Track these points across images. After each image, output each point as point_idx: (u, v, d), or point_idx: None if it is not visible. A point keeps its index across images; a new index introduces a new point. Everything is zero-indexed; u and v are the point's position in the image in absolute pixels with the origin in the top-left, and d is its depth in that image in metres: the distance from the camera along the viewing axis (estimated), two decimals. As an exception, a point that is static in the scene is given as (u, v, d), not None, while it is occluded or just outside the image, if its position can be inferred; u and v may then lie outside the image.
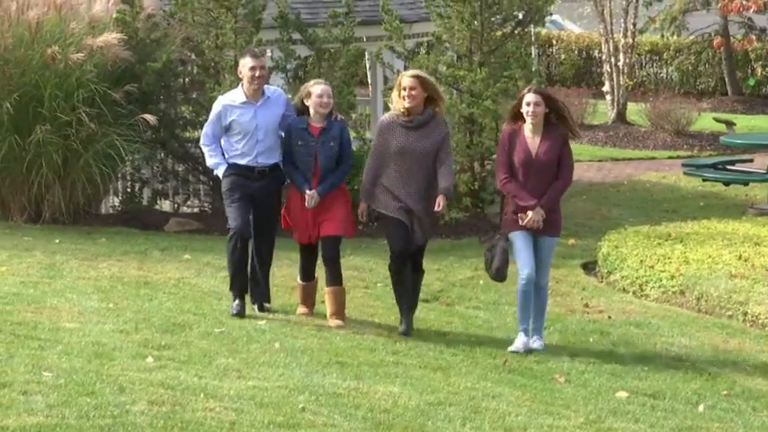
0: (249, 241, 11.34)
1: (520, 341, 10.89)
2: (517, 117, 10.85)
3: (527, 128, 10.80)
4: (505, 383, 9.86)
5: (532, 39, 19.30)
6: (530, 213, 10.66)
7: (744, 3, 15.86)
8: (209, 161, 11.58)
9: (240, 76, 11.38)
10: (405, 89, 10.81)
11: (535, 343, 10.99)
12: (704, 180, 21.37)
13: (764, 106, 31.73)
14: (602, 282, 15.40)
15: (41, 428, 7.43)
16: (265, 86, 11.47)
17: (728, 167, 21.55)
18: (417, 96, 10.82)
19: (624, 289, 14.71)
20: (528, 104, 10.64)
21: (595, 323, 12.69)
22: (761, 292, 14.29)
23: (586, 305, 13.64)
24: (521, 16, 18.31)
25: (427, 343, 10.15)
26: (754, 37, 26.69)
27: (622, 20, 29.34)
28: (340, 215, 11.22)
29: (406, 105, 10.81)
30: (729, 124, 27.36)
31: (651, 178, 23.14)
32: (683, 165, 22.34)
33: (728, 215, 18.89)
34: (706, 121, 28.38)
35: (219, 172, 11.40)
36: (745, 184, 21.22)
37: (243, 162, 11.30)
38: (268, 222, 11.48)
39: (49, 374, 8.65)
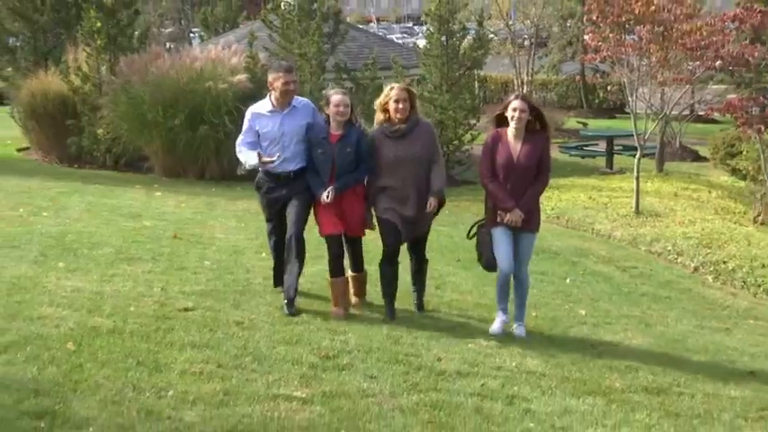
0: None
1: (498, 323, 7.23)
2: (500, 122, 7.12)
3: (510, 132, 7.03)
4: (460, 268, 9.83)
5: (475, 77, 19.18)
6: (508, 214, 6.99)
7: (593, 56, 15.65)
8: (243, 157, 7.28)
9: (271, 88, 7.25)
10: (397, 102, 7.02)
11: (517, 329, 7.25)
12: (570, 156, 21.48)
13: (605, 114, 31.67)
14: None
15: (203, 292, 7.43)
16: (295, 97, 7.36)
17: (584, 148, 21.87)
18: (407, 108, 7.03)
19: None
20: (515, 110, 6.94)
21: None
22: (601, 216, 14.39)
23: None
24: (468, 64, 18.21)
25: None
26: (598, 76, 26.61)
27: (525, 66, 29.26)
28: (359, 217, 7.19)
29: (399, 117, 7.01)
30: (584, 124, 27.37)
31: (541, 154, 23.05)
32: (559, 147, 22.37)
33: (584, 175, 18.98)
34: (572, 123, 28.27)
35: (251, 160, 7.15)
36: (594, 157, 21.43)
37: (270, 167, 7.16)
38: (299, 212, 7.16)
39: (208, 262, 8.65)
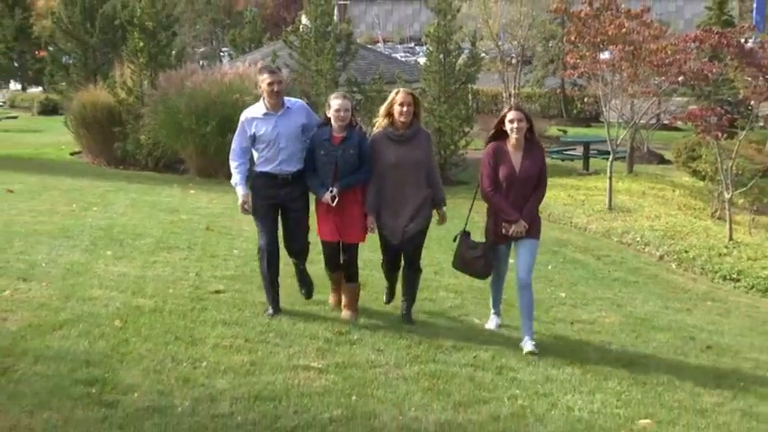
0: (278, 252, 6.36)
1: (493, 323, 6.73)
2: (497, 135, 6.20)
3: (510, 144, 6.12)
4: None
5: (469, 90, 19.13)
6: (513, 225, 6.21)
7: (572, 72, 15.62)
8: (233, 178, 6.34)
9: (260, 91, 6.36)
10: (402, 105, 6.17)
11: (527, 345, 6.12)
12: (552, 158, 21.25)
13: (582, 123, 31.39)
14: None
15: (232, 277, 7.44)
16: (286, 98, 6.31)
17: (564, 152, 21.66)
18: (411, 112, 6.19)
19: (513, 211, 14.66)
20: (512, 122, 6.06)
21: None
22: (578, 212, 14.32)
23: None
24: (463, 79, 18.17)
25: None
26: (576, 89, 26.50)
27: (512, 81, 29.19)
28: (359, 223, 6.28)
29: (403, 120, 6.18)
30: (564, 132, 27.22)
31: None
32: (542, 151, 22.32)
33: (564, 176, 18.82)
34: (553, 130, 28.11)
35: (238, 191, 6.31)
36: (572, 160, 21.22)
37: (268, 169, 6.22)
38: (298, 227, 6.37)
39: (237, 251, 8.65)
